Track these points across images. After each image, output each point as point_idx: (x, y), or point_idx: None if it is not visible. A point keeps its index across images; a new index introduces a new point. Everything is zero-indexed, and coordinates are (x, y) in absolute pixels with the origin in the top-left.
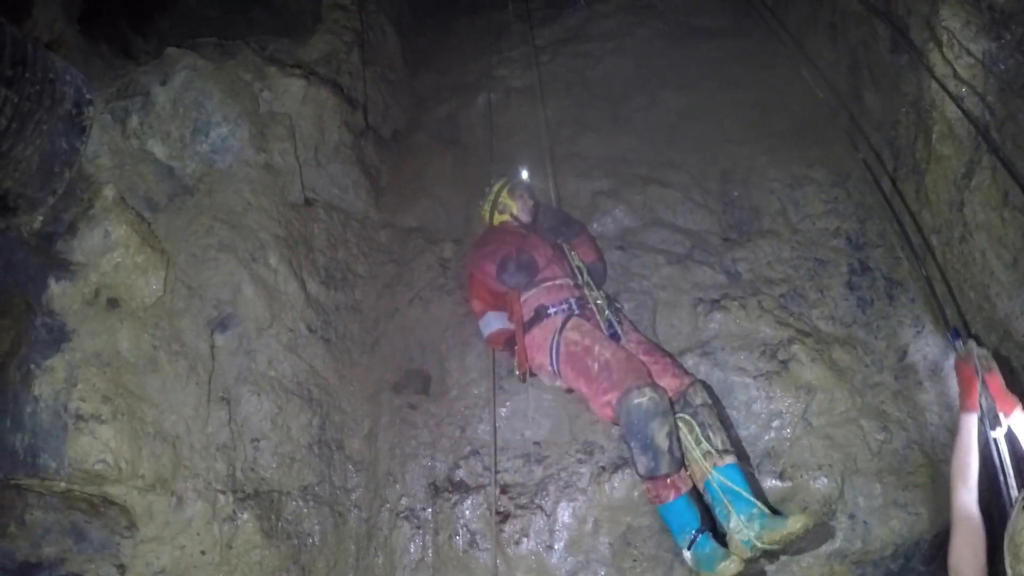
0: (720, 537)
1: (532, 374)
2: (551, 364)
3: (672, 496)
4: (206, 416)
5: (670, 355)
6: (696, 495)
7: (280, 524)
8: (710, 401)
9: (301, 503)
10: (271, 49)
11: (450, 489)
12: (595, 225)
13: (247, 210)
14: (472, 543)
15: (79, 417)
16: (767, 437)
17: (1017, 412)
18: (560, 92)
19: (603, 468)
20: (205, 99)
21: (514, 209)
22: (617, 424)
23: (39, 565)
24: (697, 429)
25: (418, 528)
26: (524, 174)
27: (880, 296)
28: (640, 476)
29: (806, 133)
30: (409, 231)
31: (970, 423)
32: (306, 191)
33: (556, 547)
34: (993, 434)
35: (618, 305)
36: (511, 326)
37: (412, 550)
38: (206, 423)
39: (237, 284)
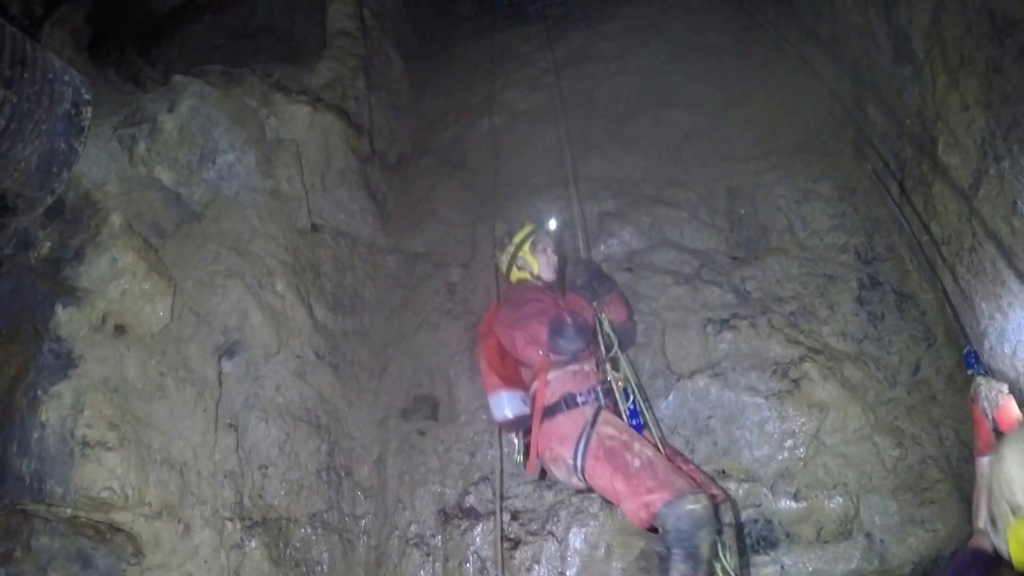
0: None
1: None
2: (574, 459)
3: None
4: (213, 443)
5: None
6: None
7: (288, 551)
8: (734, 523)
9: (309, 530)
10: (277, 76)
11: (460, 516)
12: (602, 247)
13: (254, 236)
14: (482, 570)
15: (86, 443)
16: (780, 457)
17: None
18: (565, 113)
19: None
20: (212, 126)
21: (535, 268)
22: (650, 527)
23: None
24: (719, 550)
25: (428, 555)
26: (552, 224)
27: (891, 310)
28: None
29: (811, 148)
30: (416, 256)
31: (985, 467)
32: (313, 217)
33: (568, 574)
34: None
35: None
36: (526, 410)
37: None
38: (213, 450)
39: (244, 310)
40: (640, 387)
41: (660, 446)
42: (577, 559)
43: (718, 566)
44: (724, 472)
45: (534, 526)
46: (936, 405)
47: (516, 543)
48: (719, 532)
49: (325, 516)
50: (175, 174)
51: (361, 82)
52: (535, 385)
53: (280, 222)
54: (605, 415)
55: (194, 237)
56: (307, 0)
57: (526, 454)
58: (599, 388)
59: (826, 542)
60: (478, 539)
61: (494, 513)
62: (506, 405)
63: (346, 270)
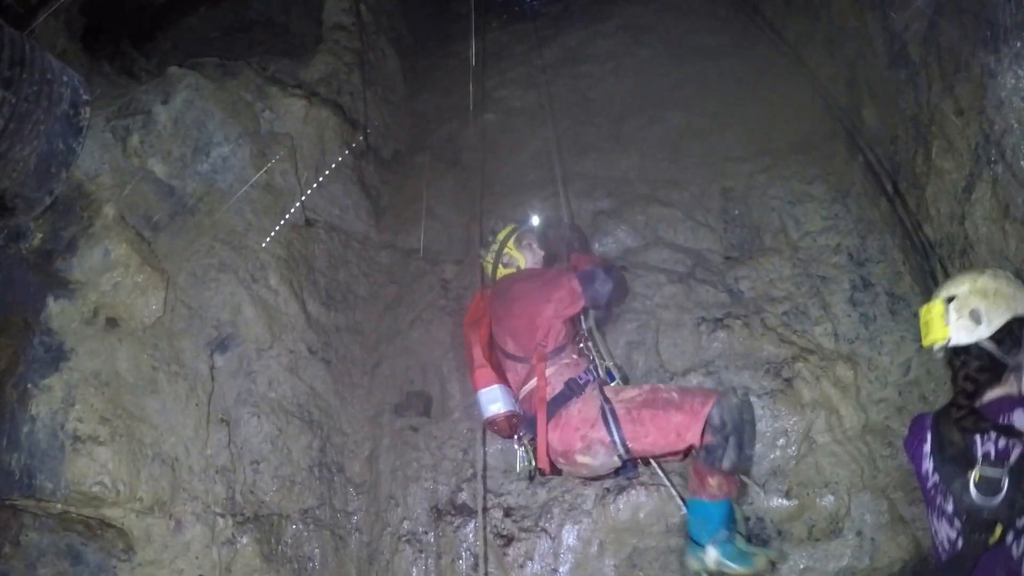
0: None
1: (554, 469)
2: (611, 434)
3: (735, 494)
4: (205, 438)
5: None
6: None
7: (280, 548)
8: None
9: (301, 526)
10: (272, 69)
11: (453, 512)
12: (597, 245)
13: (248, 230)
14: (475, 567)
15: (77, 438)
16: (772, 456)
17: None
18: (561, 112)
19: (608, 490)
20: (206, 118)
21: (522, 263)
22: (700, 444)
23: None
24: None
25: (420, 552)
26: (535, 220)
27: (883, 312)
28: (723, 470)
29: (805, 150)
30: (410, 252)
31: None
32: (307, 211)
33: (561, 570)
34: None
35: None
36: (515, 408)
37: (414, 574)
38: (205, 445)
39: (237, 305)
40: (618, 367)
41: None
42: (570, 556)
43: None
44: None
45: (527, 523)
46: (927, 405)
47: (509, 540)
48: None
49: (317, 512)
50: (169, 166)
51: (356, 77)
52: (531, 384)
53: (274, 216)
54: (608, 388)
55: (187, 230)
56: None
57: (534, 455)
58: (592, 368)
59: (817, 540)
60: (471, 536)
61: (487, 510)
62: (502, 399)
63: (340, 265)
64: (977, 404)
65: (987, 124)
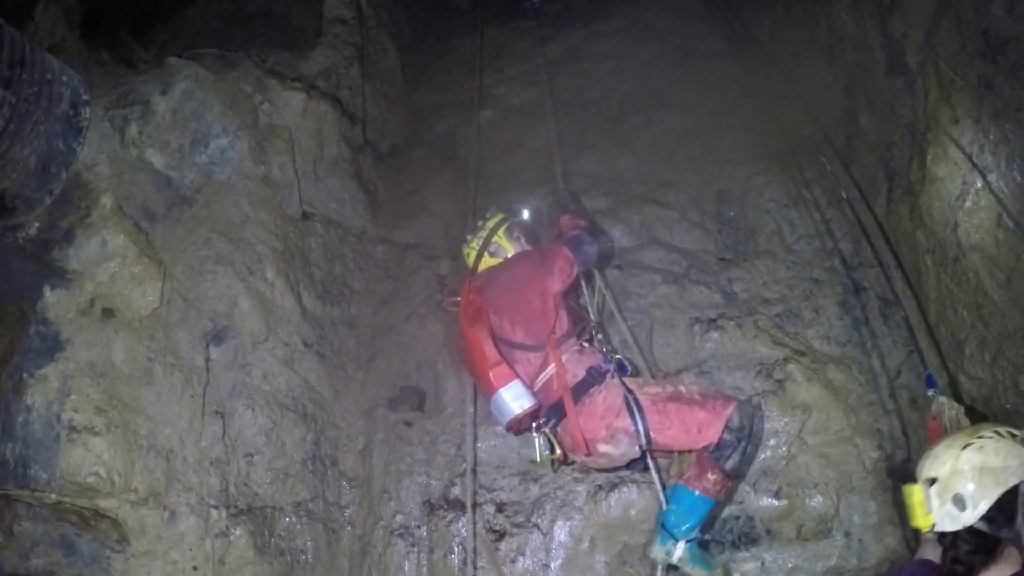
0: None
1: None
2: (636, 424)
3: (722, 496)
4: (200, 430)
5: None
6: None
7: (273, 540)
8: None
9: (294, 519)
10: (272, 62)
11: (445, 507)
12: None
13: (245, 223)
14: (467, 561)
15: (72, 428)
16: (763, 456)
17: None
18: (559, 111)
19: (599, 487)
20: (205, 110)
21: (510, 254)
22: (717, 442)
23: None
24: None
25: (413, 546)
26: (525, 214)
27: (874, 316)
28: (725, 472)
29: (802, 154)
30: (406, 247)
31: None
32: (304, 205)
33: (552, 566)
34: None
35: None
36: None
37: (407, 568)
38: (200, 437)
39: (234, 297)
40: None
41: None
42: (561, 552)
43: None
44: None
45: (519, 518)
46: (916, 409)
47: (501, 535)
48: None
49: (310, 505)
50: (167, 157)
51: (356, 71)
52: (546, 373)
53: (271, 209)
54: (629, 380)
55: (184, 221)
56: None
57: (557, 444)
58: (609, 359)
59: (806, 540)
60: (463, 530)
61: (480, 505)
62: (526, 394)
63: (336, 259)
64: None
65: (982, 133)
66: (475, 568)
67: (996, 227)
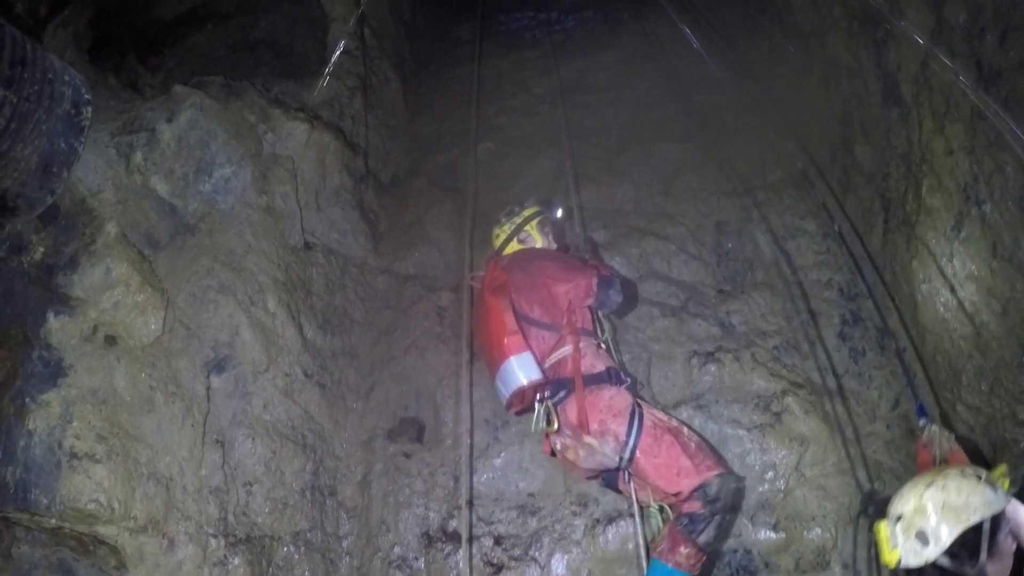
0: None
1: (560, 441)
2: (628, 435)
3: (697, 571)
4: (200, 458)
5: None
6: None
7: (271, 570)
8: None
9: (292, 549)
10: (276, 91)
11: (443, 539)
12: None
13: (247, 252)
14: None
15: (73, 455)
16: (761, 489)
17: None
18: (559, 143)
19: (597, 520)
20: (210, 139)
21: (537, 244)
22: (695, 492)
23: None
24: None
25: None
26: (559, 213)
27: (872, 346)
28: (698, 546)
29: (798, 185)
30: (407, 278)
31: None
32: (306, 235)
33: None
34: None
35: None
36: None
37: None
38: (200, 465)
39: (235, 327)
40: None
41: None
42: None
43: None
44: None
45: (517, 551)
46: (914, 440)
47: (499, 568)
48: None
49: (308, 535)
50: (171, 185)
51: (359, 101)
52: (562, 351)
53: (273, 239)
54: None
55: (188, 250)
56: (308, 17)
57: (548, 420)
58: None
59: (804, 572)
60: (461, 563)
61: (478, 538)
62: (535, 366)
63: (336, 290)
64: None
65: (976, 164)
66: None
67: (991, 257)
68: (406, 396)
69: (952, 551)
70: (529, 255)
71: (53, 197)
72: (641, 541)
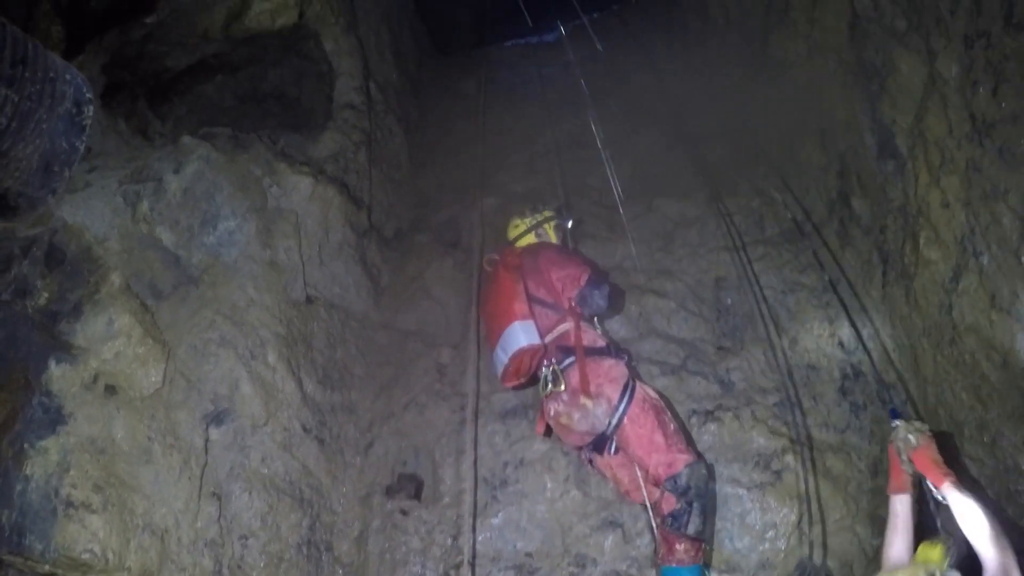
0: None
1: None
2: (620, 401)
3: (701, 558)
4: (196, 510)
5: None
6: None
7: None
8: None
9: None
10: (282, 143)
11: None
12: None
13: (249, 306)
14: None
15: (70, 504)
16: (762, 548)
17: (947, 486)
18: (560, 198)
19: None
20: (216, 191)
21: (550, 241)
22: (665, 484)
23: None
24: None
25: None
26: (570, 224)
27: (872, 400)
28: (688, 535)
29: (797, 239)
30: (408, 333)
31: (895, 505)
32: (308, 289)
33: None
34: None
35: None
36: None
37: None
38: (196, 518)
39: (235, 380)
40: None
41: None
42: None
43: None
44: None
45: None
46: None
47: None
48: None
49: None
50: (176, 236)
51: (363, 156)
52: (563, 326)
53: (276, 293)
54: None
55: (190, 301)
56: (316, 71)
57: (556, 380)
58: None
59: None
60: None
61: None
62: (535, 333)
63: (337, 344)
64: None
65: (973, 216)
66: None
67: (990, 308)
68: (405, 452)
69: None
70: (540, 246)
71: (55, 197)
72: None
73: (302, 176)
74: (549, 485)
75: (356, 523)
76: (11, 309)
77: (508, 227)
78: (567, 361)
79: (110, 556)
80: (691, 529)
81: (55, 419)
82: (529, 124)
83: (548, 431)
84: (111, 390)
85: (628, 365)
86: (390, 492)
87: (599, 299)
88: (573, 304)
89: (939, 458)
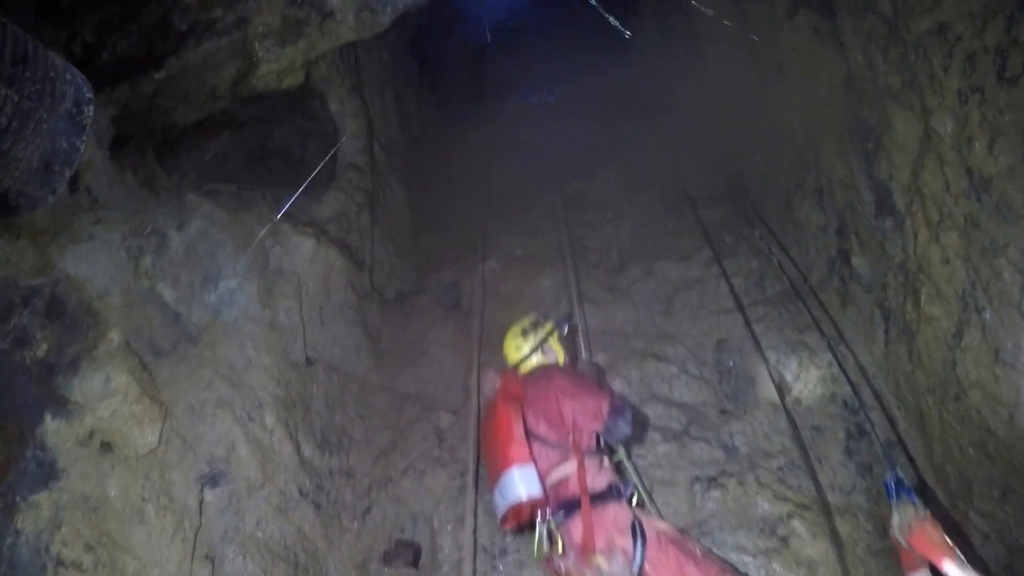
0: None
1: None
2: (635, 549)
3: None
4: (188, 573)
5: None
6: None
7: None
8: None
9: None
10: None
11: None
12: None
13: (248, 367)
14: None
15: (60, 562)
16: None
17: (947, 563)
18: (559, 262)
19: None
20: (218, 249)
21: (560, 359)
22: None
23: None
24: None
25: None
26: (566, 329)
27: (878, 459)
28: None
29: (797, 298)
30: (407, 397)
31: None
32: (308, 350)
33: None
34: None
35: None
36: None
37: None
38: None
39: (232, 442)
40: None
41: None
42: None
43: None
44: None
45: None
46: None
47: None
48: None
49: None
50: (177, 292)
51: (366, 217)
52: (565, 468)
53: (275, 354)
54: (639, 511)
55: (189, 360)
56: (321, 131)
57: (552, 541)
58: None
59: None
60: None
61: None
62: (536, 482)
63: (336, 407)
64: None
65: (973, 271)
66: None
67: (994, 363)
68: (403, 518)
69: None
70: (548, 371)
71: (55, 196)
72: None
73: (305, 237)
74: None
75: None
76: (9, 359)
77: (506, 346)
78: (562, 514)
79: None
80: None
81: (48, 474)
82: (530, 185)
83: None
84: (106, 447)
85: (630, 503)
86: (387, 559)
87: (624, 427)
88: (579, 440)
89: (937, 535)
